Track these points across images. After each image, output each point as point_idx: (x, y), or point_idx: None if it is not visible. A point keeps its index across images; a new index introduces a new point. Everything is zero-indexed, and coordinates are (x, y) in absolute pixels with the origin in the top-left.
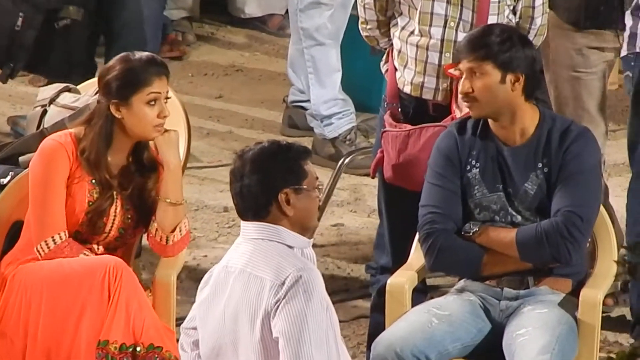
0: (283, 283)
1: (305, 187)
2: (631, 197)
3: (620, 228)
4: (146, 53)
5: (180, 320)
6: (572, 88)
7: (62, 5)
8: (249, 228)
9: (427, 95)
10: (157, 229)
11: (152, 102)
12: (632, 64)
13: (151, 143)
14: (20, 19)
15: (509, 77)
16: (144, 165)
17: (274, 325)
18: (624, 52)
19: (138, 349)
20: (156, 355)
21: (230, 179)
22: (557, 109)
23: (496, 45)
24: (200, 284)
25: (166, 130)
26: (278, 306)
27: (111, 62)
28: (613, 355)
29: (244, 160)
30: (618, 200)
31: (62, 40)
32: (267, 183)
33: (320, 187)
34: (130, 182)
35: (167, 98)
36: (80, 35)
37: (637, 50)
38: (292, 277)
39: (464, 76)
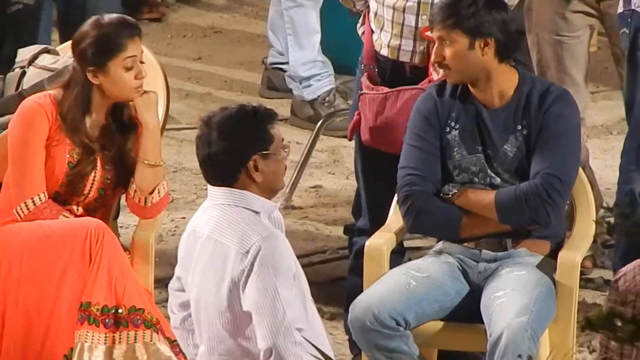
0: (247, 252)
1: (272, 151)
2: (624, 155)
3: (599, 190)
4: (116, 15)
5: (157, 282)
6: (555, 52)
7: None
8: (217, 193)
9: (404, 58)
10: (135, 191)
11: (129, 66)
12: (629, 20)
13: (131, 103)
14: None
15: (478, 43)
16: (124, 124)
17: (244, 299)
18: (620, 9)
19: (120, 310)
20: (138, 317)
21: (197, 145)
22: (539, 72)
23: (464, 11)
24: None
25: (145, 92)
26: (246, 277)
27: (83, 28)
28: (591, 317)
29: (211, 127)
30: (597, 162)
31: (15, 26)
32: (236, 151)
33: (286, 147)
34: (112, 143)
35: (142, 61)
36: (32, 21)
37: (633, 7)
38: (255, 247)
39: (435, 44)
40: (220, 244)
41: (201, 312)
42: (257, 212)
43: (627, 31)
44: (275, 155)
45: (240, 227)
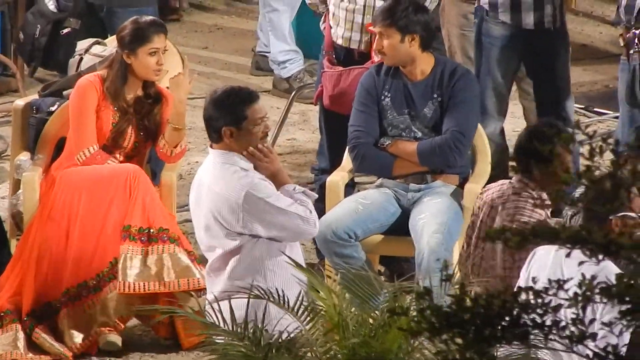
0: (240, 201)
1: (244, 126)
2: None
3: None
4: (150, 17)
5: (179, 208)
6: (460, 42)
7: (65, 17)
8: (214, 152)
9: (354, 46)
10: (164, 144)
11: (153, 53)
12: (477, 12)
13: (164, 83)
14: (37, 29)
15: (407, 37)
16: (151, 96)
17: (243, 226)
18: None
19: (152, 230)
20: (165, 235)
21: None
22: (449, 56)
23: (397, 14)
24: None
25: (177, 75)
26: (240, 219)
27: (126, 23)
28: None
29: (210, 99)
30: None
31: (65, 43)
32: (214, 120)
33: (263, 121)
34: (142, 109)
35: (165, 50)
36: (77, 40)
37: (480, 3)
38: (243, 195)
39: (377, 37)
40: (216, 192)
41: (202, 237)
42: (245, 169)
43: (476, 20)
44: (248, 129)
45: (232, 182)
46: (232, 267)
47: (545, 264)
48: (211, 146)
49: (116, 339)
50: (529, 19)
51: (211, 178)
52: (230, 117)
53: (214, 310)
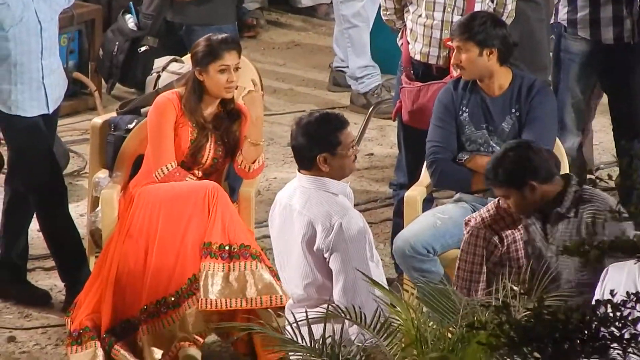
0: (331, 229)
1: (338, 151)
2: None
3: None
4: (223, 34)
5: (257, 224)
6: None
7: (143, 35)
8: (303, 179)
9: (432, 61)
10: (242, 160)
11: (223, 70)
12: (555, 29)
13: (240, 100)
14: (116, 46)
15: (485, 51)
16: (230, 113)
17: (327, 258)
18: (552, 21)
19: (233, 246)
20: (246, 252)
21: (290, 138)
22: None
23: (475, 28)
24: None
25: (250, 91)
26: (330, 245)
27: (199, 40)
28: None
29: (298, 126)
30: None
31: (142, 61)
32: (309, 148)
33: (354, 145)
34: (220, 125)
35: (237, 68)
36: (155, 58)
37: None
38: (337, 224)
39: (454, 51)
40: (309, 218)
41: (285, 262)
42: (335, 194)
43: (554, 37)
44: (342, 153)
45: (324, 207)
46: (313, 285)
47: (619, 281)
48: (299, 171)
49: (196, 352)
50: (608, 34)
51: (303, 203)
52: (325, 144)
53: (292, 327)
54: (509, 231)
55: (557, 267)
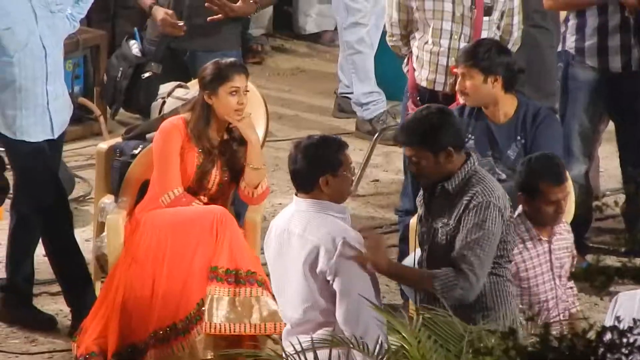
0: (334, 248)
1: (339, 173)
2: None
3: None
4: (231, 59)
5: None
6: None
7: (146, 61)
8: (302, 202)
9: (438, 88)
10: (245, 186)
11: (234, 93)
12: (562, 57)
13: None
14: (120, 71)
15: (490, 79)
16: (236, 139)
17: (331, 280)
18: (559, 48)
19: (240, 272)
20: (252, 278)
21: (288, 162)
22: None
23: (480, 55)
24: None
25: (243, 117)
26: (334, 266)
27: (207, 64)
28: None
29: (297, 150)
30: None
31: (146, 87)
32: (311, 171)
33: (353, 167)
34: (226, 150)
35: (246, 91)
36: (158, 84)
37: (566, 48)
38: (341, 244)
39: (459, 78)
40: (310, 241)
41: (284, 287)
42: (334, 216)
43: (561, 65)
44: (343, 174)
45: (326, 229)
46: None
47: (631, 311)
48: (297, 194)
49: None
50: (616, 63)
51: (303, 227)
52: (327, 165)
53: (298, 353)
54: (521, 245)
55: (434, 237)
